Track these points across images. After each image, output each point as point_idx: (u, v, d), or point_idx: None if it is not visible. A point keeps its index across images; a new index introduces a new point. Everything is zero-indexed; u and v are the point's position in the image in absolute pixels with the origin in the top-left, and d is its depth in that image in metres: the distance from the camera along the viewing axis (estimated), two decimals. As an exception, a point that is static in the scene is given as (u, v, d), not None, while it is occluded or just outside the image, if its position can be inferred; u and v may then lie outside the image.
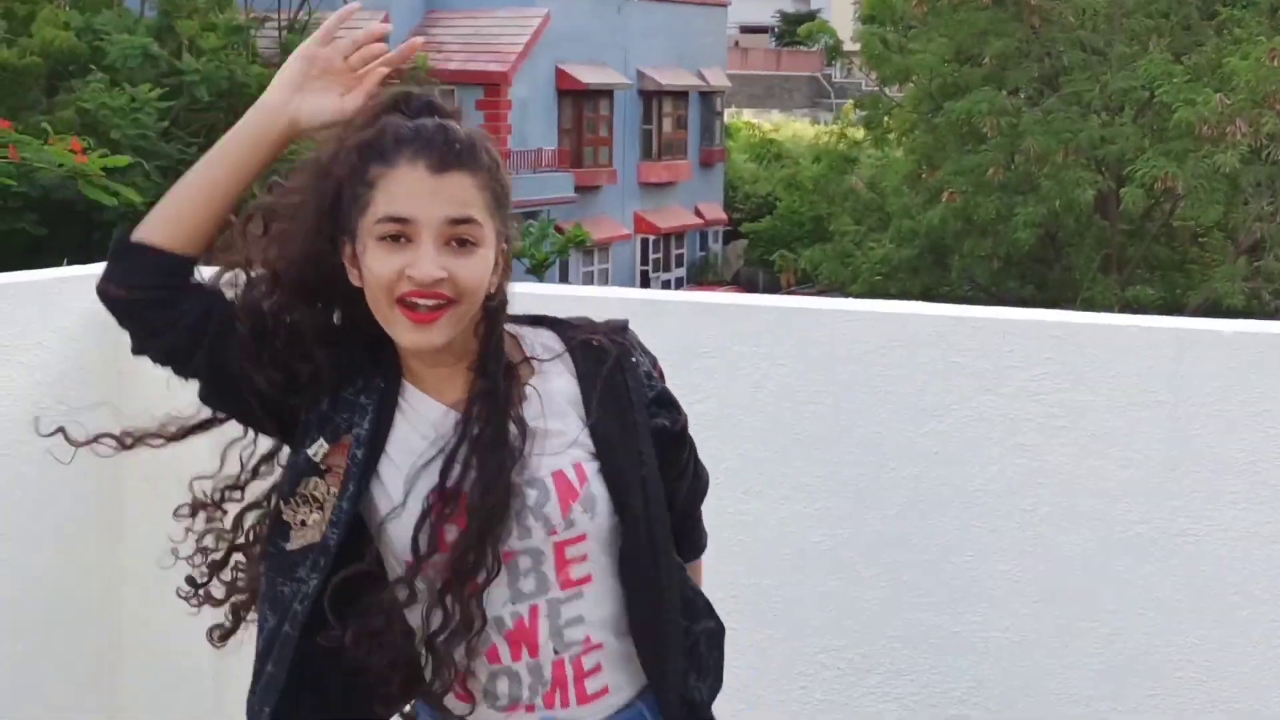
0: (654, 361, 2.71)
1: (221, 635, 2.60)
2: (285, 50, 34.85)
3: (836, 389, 4.17)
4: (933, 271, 31.95)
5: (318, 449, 2.44)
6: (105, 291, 2.48)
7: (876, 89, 38.66)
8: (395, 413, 2.48)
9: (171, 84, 29.52)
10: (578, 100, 43.92)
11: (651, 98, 46.48)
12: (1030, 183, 30.55)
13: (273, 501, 2.51)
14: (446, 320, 2.37)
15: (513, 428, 2.44)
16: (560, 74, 43.07)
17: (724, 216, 48.99)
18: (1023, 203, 30.33)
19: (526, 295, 4.38)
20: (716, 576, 4.25)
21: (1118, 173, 30.15)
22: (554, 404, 2.52)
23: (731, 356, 4.25)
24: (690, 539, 2.89)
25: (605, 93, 44.53)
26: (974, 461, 4.05)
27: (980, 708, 4.06)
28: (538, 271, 37.98)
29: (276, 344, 2.42)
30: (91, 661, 4.82)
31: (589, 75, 43.54)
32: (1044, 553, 4.00)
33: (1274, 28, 29.69)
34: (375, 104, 2.49)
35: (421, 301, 2.34)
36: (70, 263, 5.37)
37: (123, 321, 2.50)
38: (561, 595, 2.47)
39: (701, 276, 47.15)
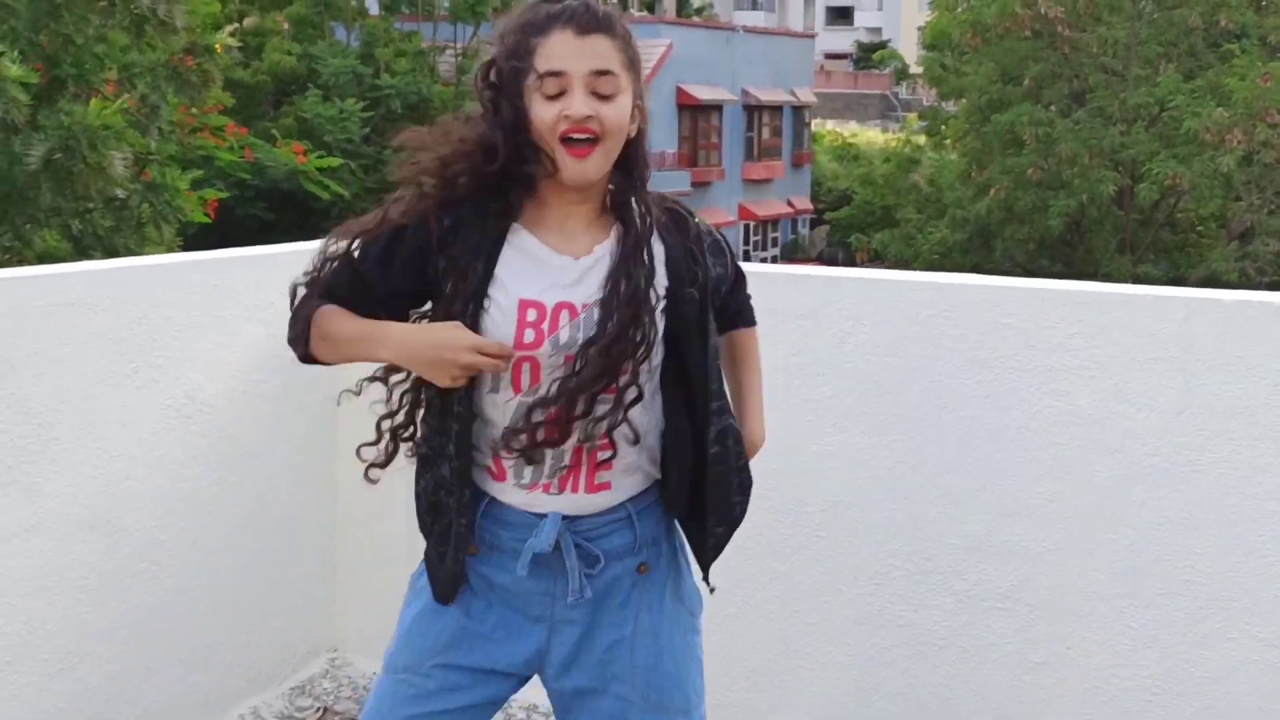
0: (716, 234, 2.74)
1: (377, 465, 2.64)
2: (461, 72, 34.93)
3: (905, 344, 4.14)
4: (980, 252, 31.72)
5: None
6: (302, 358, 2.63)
7: (936, 103, 38.54)
8: (505, 253, 2.50)
9: (372, 98, 29.72)
10: (694, 113, 43.82)
11: (753, 111, 46.32)
12: (1061, 180, 30.34)
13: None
14: (599, 154, 2.43)
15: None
16: (680, 92, 42.96)
17: (810, 206, 48.80)
18: (1055, 197, 30.30)
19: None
20: (809, 495, 4.25)
21: (1133, 172, 29.99)
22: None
23: (820, 318, 4.23)
24: (744, 313, 2.91)
25: (716, 107, 44.40)
26: (1017, 405, 4.01)
27: (1021, 603, 4.03)
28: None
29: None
30: (314, 553, 4.90)
31: (703, 93, 43.44)
32: (1074, 479, 3.96)
33: (1266, 55, 29.31)
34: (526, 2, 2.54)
35: (577, 136, 2.40)
36: (293, 241, 5.40)
37: None
38: (602, 397, 2.46)
39: (792, 255, 46.94)
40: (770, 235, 47.68)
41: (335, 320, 2.52)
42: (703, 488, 2.60)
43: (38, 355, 3.92)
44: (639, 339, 2.44)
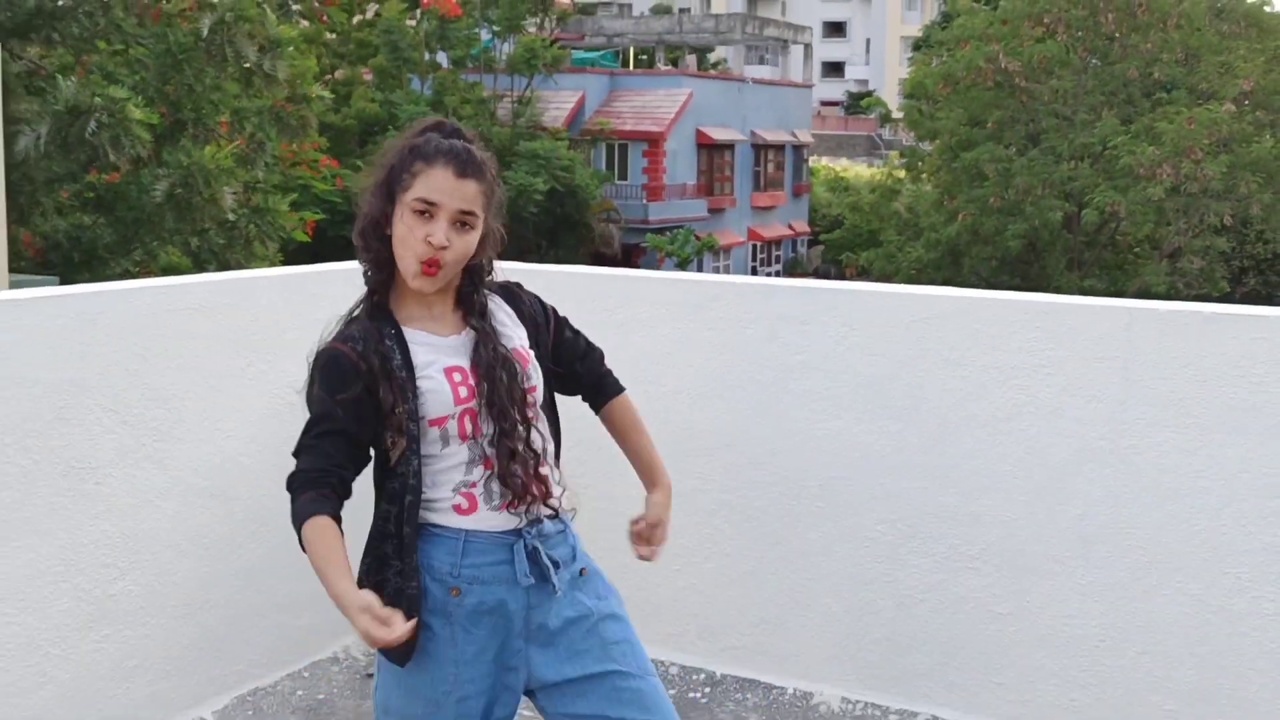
0: (536, 296, 2.77)
1: None
2: (515, 115, 34.97)
3: (890, 346, 4.14)
4: (950, 269, 31.78)
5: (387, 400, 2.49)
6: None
7: (913, 143, 38.56)
8: (410, 345, 2.50)
9: (441, 137, 29.73)
10: (710, 151, 43.81)
11: (760, 149, 46.29)
12: (1018, 208, 30.44)
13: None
14: (441, 276, 2.45)
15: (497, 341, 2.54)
16: (699, 133, 42.98)
17: (808, 229, 48.79)
18: (1013, 222, 30.52)
19: (681, 281, 4.39)
20: (808, 472, 4.25)
21: (1079, 201, 30.09)
22: (503, 320, 2.62)
23: (818, 323, 4.22)
24: (609, 384, 2.85)
25: (729, 146, 44.41)
26: (985, 397, 4.01)
27: (988, 563, 4.02)
28: (683, 266, 37.97)
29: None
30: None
31: (718, 134, 43.44)
32: (1033, 459, 3.95)
33: (1192, 103, 29.24)
34: (421, 124, 2.57)
35: (431, 259, 2.43)
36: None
37: None
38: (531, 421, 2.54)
39: (792, 270, 46.93)
40: (774, 254, 47.68)
41: (316, 541, 2.42)
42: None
43: (169, 351, 3.96)
44: (526, 384, 2.54)
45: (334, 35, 31.20)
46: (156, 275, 14.37)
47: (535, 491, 2.51)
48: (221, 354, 4.11)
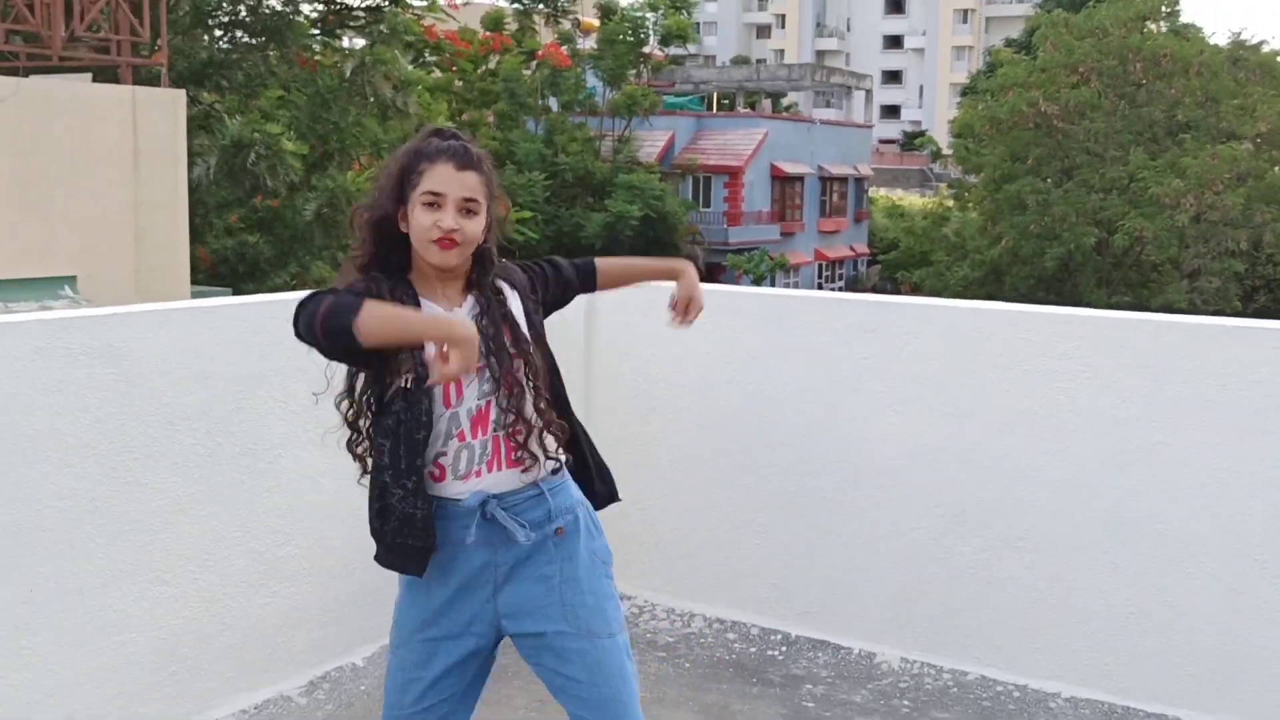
0: (530, 262, 2.76)
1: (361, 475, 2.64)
2: (616, 152, 35.05)
3: (946, 353, 4.13)
4: (993, 286, 31.39)
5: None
6: (316, 344, 2.45)
7: (961, 176, 38.20)
8: (422, 302, 2.48)
9: (551, 171, 29.89)
10: (783, 183, 43.62)
11: (826, 181, 46.03)
12: (1055, 234, 30.05)
13: (363, 390, 2.58)
14: (457, 251, 2.44)
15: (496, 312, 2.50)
16: (773, 167, 42.83)
17: (867, 251, 48.38)
18: (1050, 246, 30.11)
19: (760, 295, 4.39)
20: (865, 462, 4.22)
21: (1109, 227, 29.60)
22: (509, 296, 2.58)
23: (883, 332, 4.23)
24: (585, 264, 2.89)
25: (799, 178, 44.17)
26: (1030, 397, 4.00)
27: (1028, 548, 3.99)
28: (758, 282, 37.84)
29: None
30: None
31: (790, 168, 43.24)
32: (1072, 453, 3.94)
33: (1213, 141, 28.77)
34: (423, 132, 2.57)
35: (444, 237, 2.41)
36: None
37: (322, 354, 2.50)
38: (505, 393, 2.47)
39: (853, 287, 46.60)
40: (838, 272, 47.32)
41: (376, 309, 2.37)
42: (584, 457, 2.68)
43: (328, 352, 4.03)
44: (512, 354, 2.49)
45: (461, 83, 31.49)
46: (310, 286, 14.60)
47: (514, 457, 2.49)
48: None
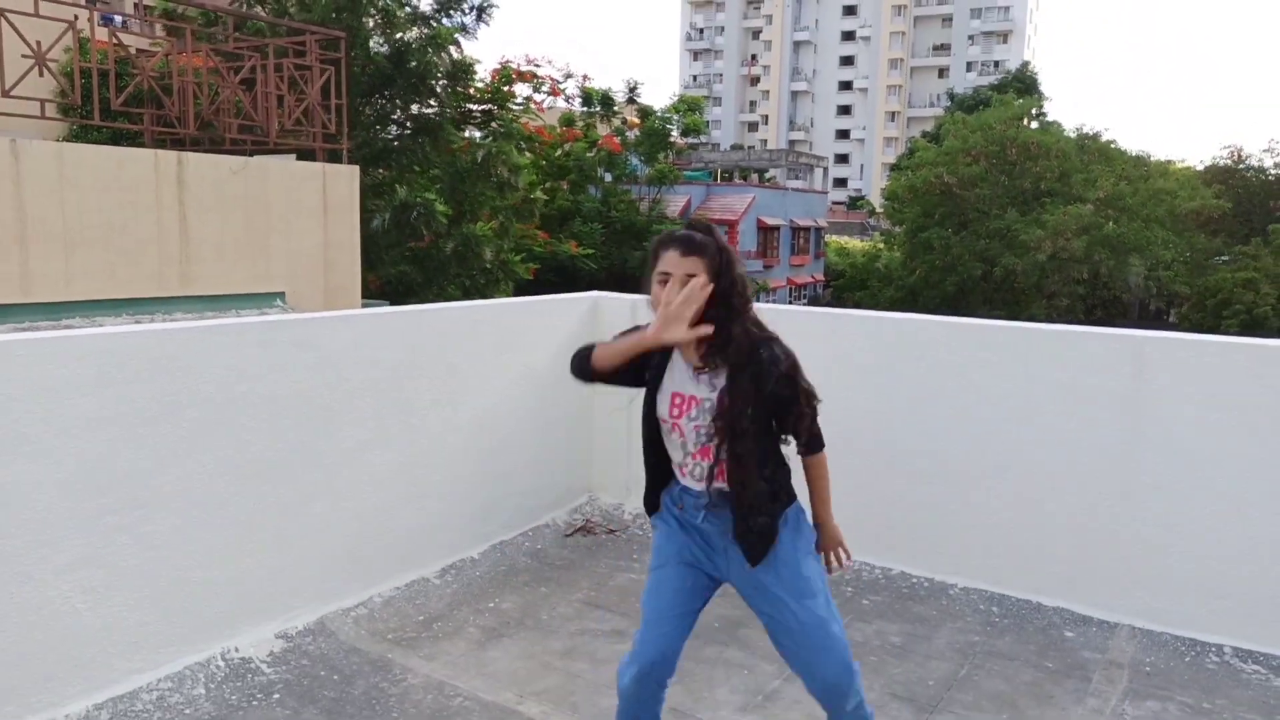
0: (787, 353, 2.22)
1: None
2: (650, 210, 34.93)
3: (881, 349, 4.03)
4: (911, 305, 31.04)
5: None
6: (585, 378, 2.29)
7: (889, 227, 37.85)
8: (671, 362, 2.27)
9: (606, 222, 29.75)
10: (765, 231, 43.19)
11: (796, 230, 45.52)
12: (953, 268, 29.71)
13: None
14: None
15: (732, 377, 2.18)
16: (759, 220, 42.47)
17: (823, 279, 47.91)
18: (950, 276, 29.81)
19: (760, 309, 4.34)
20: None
21: (992, 263, 29.24)
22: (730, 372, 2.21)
23: (835, 338, 4.14)
24: (811, 443, 2.32)
25: (777, 228, 43.67)
26: (937, 374, 3.88)
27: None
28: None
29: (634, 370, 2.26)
30: (582, 443, 4.87)
31: (771, 220, 42.82)
32: (966, 413, 3.84)
33: (1066, 203, 28.38)
34: (673, 230, 2.24)
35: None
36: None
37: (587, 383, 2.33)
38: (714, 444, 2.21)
39: (813, 303, 46.25)
40: (803, 294, 46.96)
41: (602, 348, 2.24)
42: (752, 502, 2.22)
43: (460, 345, 4.02)
44: (732, 421, 2.16)
45: (545, 162, 31.58)
46: (449, 301, 14.73)
47: (709, 484, 2.25)
48: (489, 347, 4.15)
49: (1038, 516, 3.74)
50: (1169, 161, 36.20)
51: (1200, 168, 32.31)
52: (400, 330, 3.77)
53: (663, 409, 2.28)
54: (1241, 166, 29.97)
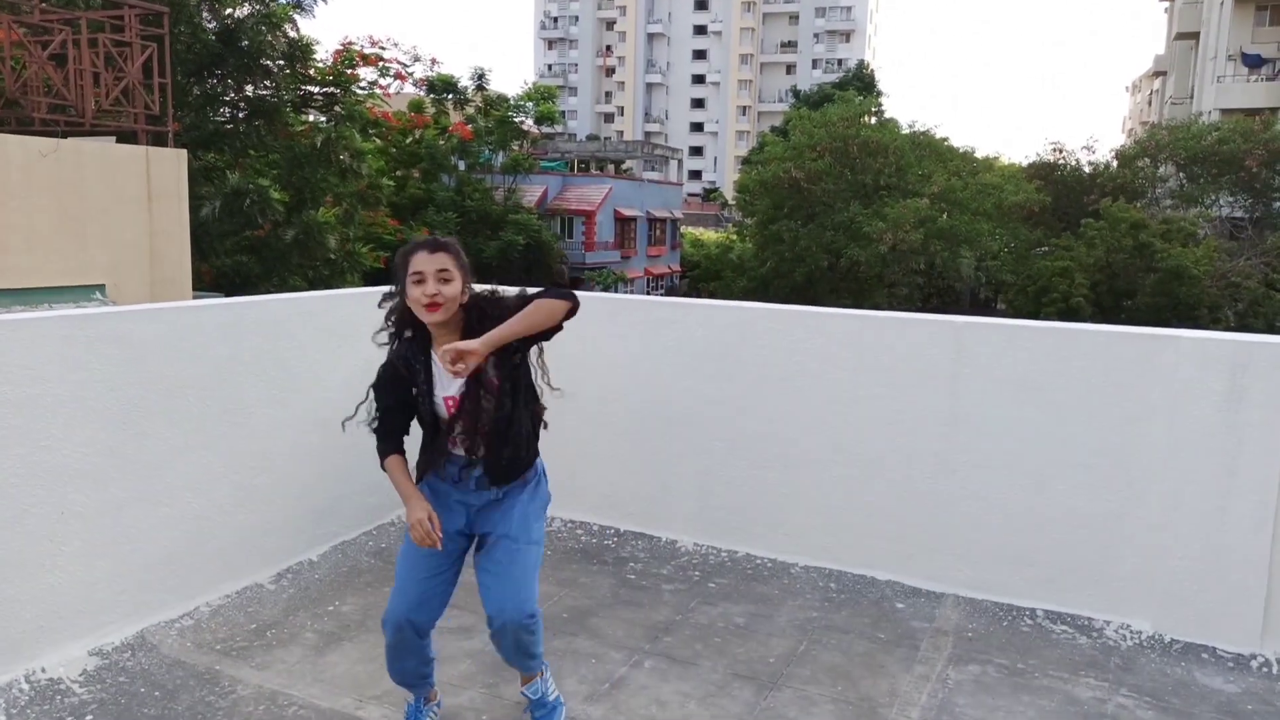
0: (501, 298, 2.48)
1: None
2: (506, 199, 34.32)
3: (729, 338, 4.10)
4: (762, 294, 31.74)
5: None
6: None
7: (741, 219, 38.70)
8: (432, 356, 2.48)
9: (460, 211, 29.16)
10: (622, 222, 43.50)
11: (652, 221, 46.06)
12: (801, 258, 30.64)
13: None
14: (442, 311, 2.38)
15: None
16: (616, 211, 42.70)
17: (680, 269, 48.69)
18: (798, 266, 30.67)
19: (604, 298, 4.33)
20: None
21: (837, 254, 30.26)
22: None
23: (680, 327, 4.18)
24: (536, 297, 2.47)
25: (633, 219, 44.10)
26: (780, 360, 3.99)
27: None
28: (606, 290, 37.87)
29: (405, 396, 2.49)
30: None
31: (628, 211, 43.16)
32: (803, 396, 3.97)
33: (904, 197, 29.67)
34: (413, 240, 2.50)
35: (430, 302, 2.37)
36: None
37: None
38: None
39: (670, 293, 46.89)
40: (660, 284, 47.55)
41: (392, 471, 2.47)
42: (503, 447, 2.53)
43: (291, 337, 3.84)
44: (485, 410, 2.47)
45: (395, 149, 30.66)
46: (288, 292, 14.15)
47: (476, 458, 2.51)
48: (322, 339, 3.99)
49: (869, 495, 3.89)
50: (995, 157, 38.62)
51: (1025, 163, 34.51)
52: (222, 324, 3.57)
53: (441, 410, 2.49)
54: (1060, 163, 32.16)
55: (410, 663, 2.61)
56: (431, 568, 2.53)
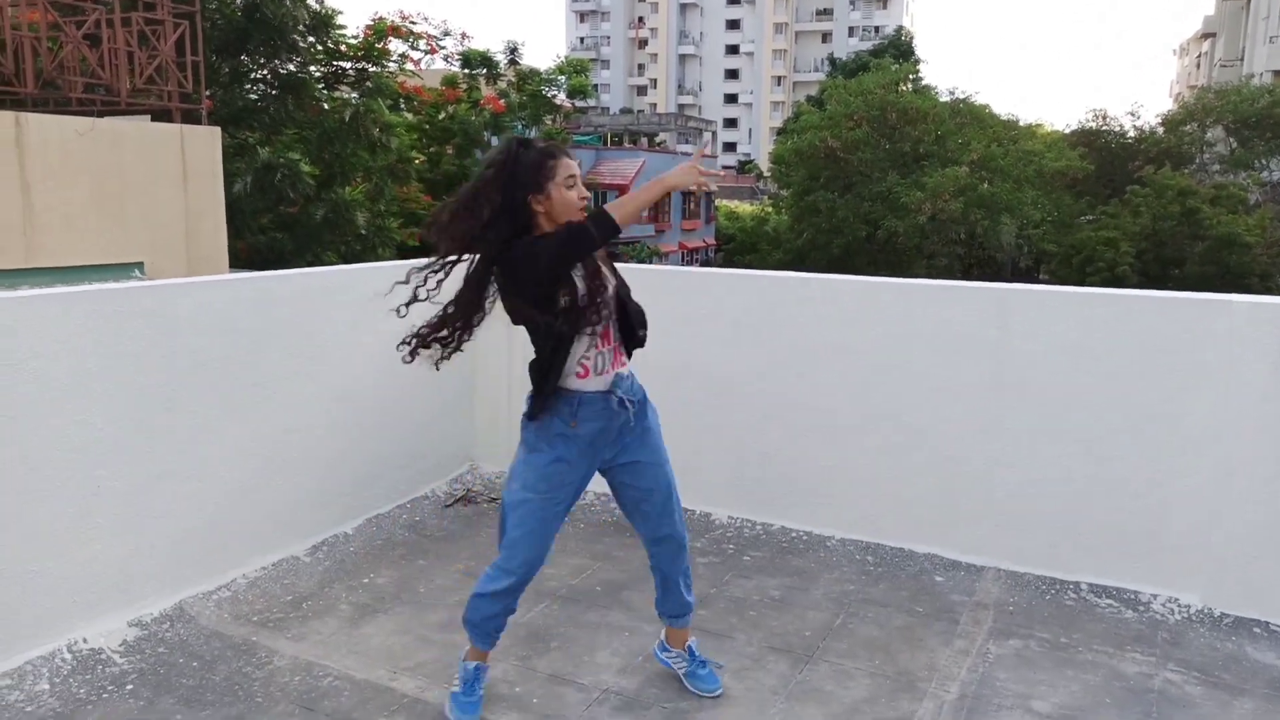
0: None
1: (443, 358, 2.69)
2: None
3: (767, 306, 4.04)
4: (798, 267, 31.54)
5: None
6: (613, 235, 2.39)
7: (777, 191, 38.39)
8: None
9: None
10: (656, 196, 43.33)
11: (686, 195, 45.37)
12: (838, 230, 30.37)
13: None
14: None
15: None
16: (649, 185, 42.51)
17: (715, 242, 48.42)
18: (836, 238, 30.39)
19: (641, 270, 4.29)
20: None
21: (875, 225, 29.98)
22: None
23: (721, 297, 4.15)
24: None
25: (667, 192, 43.89)
26: (813, 330, 3.93)
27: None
28: (641, 263, 37.78)
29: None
30: (461, 407, 4.79)
31: (661, 185, 42.94)
32: (842, 365, 3.91)
33: (943, 166, 29.28)
34: (501, 146, 2.40)
35: (585, 206, 2.42)
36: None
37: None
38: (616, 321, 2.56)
39: (705, 265, 46.72)
40: (695, 257, 47.32)
41: (615, 205, 2.38)
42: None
43: (320, 311, 3.84)
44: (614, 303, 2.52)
45: (429, 125, 30.74)
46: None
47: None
48: (351, 314, 3.98)
49: (909, 466, 3.83)
50: (1037, 124, 37.85)
51: (1067, 131, 33.79)
52: (251, 298, 3.57)
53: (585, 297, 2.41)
54: (1104, 129, 31.43)
55: (512, 607, 2.64)
56: (560, 513, 2.56)
